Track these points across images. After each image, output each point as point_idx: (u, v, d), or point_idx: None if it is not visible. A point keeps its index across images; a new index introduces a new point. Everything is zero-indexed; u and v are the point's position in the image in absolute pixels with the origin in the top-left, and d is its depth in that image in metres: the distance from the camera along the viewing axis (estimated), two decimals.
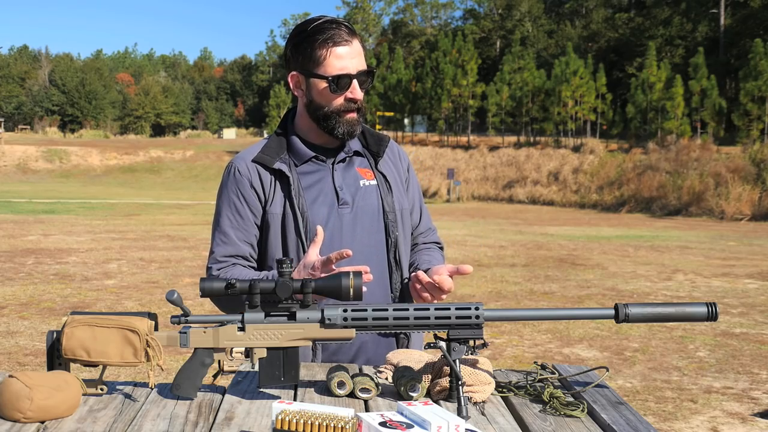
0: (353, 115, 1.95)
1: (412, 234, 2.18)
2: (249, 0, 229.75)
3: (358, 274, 1.57)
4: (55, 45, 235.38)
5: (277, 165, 1.98)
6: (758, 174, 25.30)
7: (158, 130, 79.45)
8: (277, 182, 1.99)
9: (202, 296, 1.56)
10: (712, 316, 1.63)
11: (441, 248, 2.26)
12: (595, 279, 10.06)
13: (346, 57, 1.90)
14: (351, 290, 1.55)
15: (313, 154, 2.01)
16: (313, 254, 1.83)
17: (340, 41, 1.89)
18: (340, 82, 1.90)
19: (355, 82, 1.92)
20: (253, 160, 2.01)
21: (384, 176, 2.07)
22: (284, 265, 1.54)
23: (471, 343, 1.58)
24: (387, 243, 2.04)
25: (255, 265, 2.05)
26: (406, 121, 49.19)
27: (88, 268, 10.31)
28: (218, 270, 2.00)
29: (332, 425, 1.28)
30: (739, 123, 34.21)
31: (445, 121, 45.60)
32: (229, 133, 68.01)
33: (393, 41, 69.16)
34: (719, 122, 36.72)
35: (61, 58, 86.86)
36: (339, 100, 1.93)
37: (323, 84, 1.91)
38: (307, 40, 1.91)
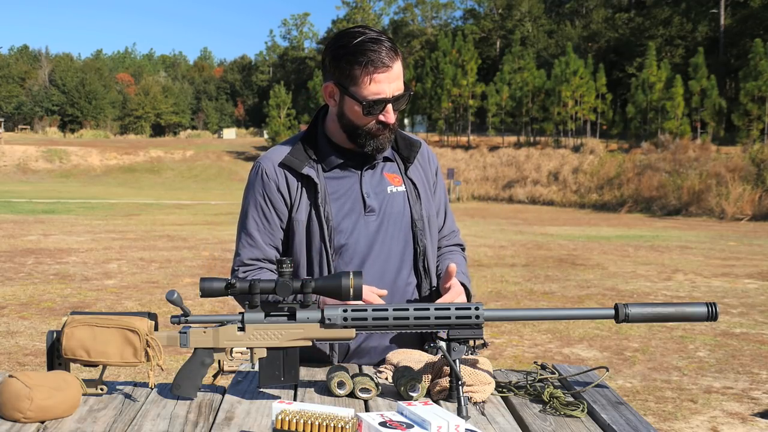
0: (384, 134, 1.93)
1: None
2: (249, 0, 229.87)
3: (358, 274, 1.57)
4: (55, 45, 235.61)
5: (306, 170, 1.96)
6: (758, 174, 25.29)
7: (158, 130, 79.46)
8: (304, 188, 1.96)
9: (202, 296, 1.56)
10: (712, 316, 1.63)
11: (463, 249, 2.23)
12: (595, 279, 10.05)
13: (383, 82, 1.86)
14: (351, 290, 1.55)
15: (342, 160, 1.99)
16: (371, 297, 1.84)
17: (380, 66, 1.84)
18: (374, 107, 1.87)
19: (389, 106, 1.88)
20: (281, 164, 1.98)
21: (413, 183, 2.04)
22: (284, 265, 1.54)
23: (471, 343, 1.58)
24: (415, 251, 2.02)
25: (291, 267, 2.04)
26: (406, 121, 49.19)
27: (88, 268, 10.30)
28: (244, 273, 1.99)
29: (332, 425, 1.28)
30: (739, 123, 34.22)
31: (445, 121, 45.62)
32: (229, 133, 68.03)
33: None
34: (719, 122, 36.74)
35: (61, 58, 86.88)
36: (371, 122, 1.90)
37: (357, 105, 1.88)
38: (346, 58, 1.86)
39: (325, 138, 2.01)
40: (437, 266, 2.12)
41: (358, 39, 1.87)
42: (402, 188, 2.03)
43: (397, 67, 1.89)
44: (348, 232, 1.95)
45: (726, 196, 23.84)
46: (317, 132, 2.03)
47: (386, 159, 2.05)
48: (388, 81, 1.86)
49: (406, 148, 2.07)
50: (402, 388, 1.61)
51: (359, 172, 2.00)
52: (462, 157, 40.47)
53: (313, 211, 1.95)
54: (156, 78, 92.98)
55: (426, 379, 1.67)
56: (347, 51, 1.87)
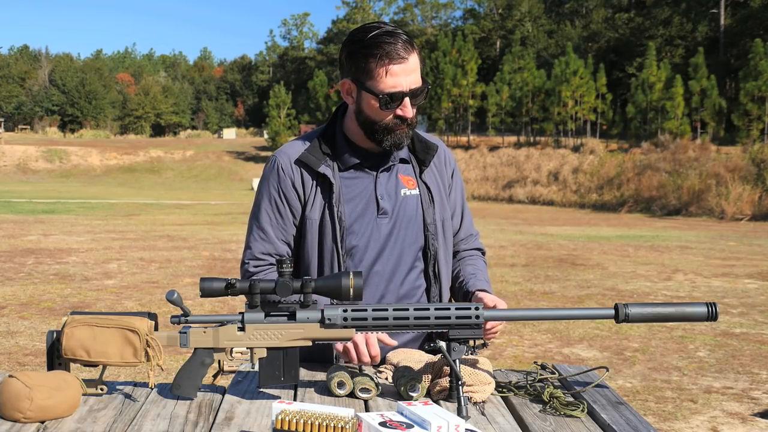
0: (402, 130, 1.90)
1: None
2: (249, 0, 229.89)
3: (357, 274, 1.57)
4: (55, 45, 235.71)
5: (322, 169, 1.94)
6: (758, 174, 25.28)
7: (158, 130, 79.46)
8: (319, 186, 1.95)
9: (202, 296, 1.56)
10: (712, 316, 1.63)
11: (483, 254, 2.20)
12: (595, 279, 10.05)
13: (400, 74, 1.84)
14: (351, 290, 1.55)
15: (358, 161, 1.97)
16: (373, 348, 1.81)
17: (396, 58, 1.83)
18: (391, 101, 1.85)
19: (406, 100, 1.86)
20: (298, 160, 1.97)
21: (427, 187, 2.02)
22: (284, 266, 1.54)
23: (471, 343, 1.58)
24: (426, 255, 2.01)
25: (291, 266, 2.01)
26: None
27: (88, 268, 10.30)
28: (255, 267, 1.97)
29: (332, 425, 1.28)
30: (739, 123, 34.22)
31: (445, 121, 45.63)
32: (229, 133, 68.01)
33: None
34: (719, 122, 36.75)
35: (61, 58, 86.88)
36: (389, 117, 1.88)
37: (374, 99, 1.86)
38: (361, 52, 1.85)
39: (343, 136, 2.00)
40: (456, 271, 2.10)
41: (373, 33, 1.86)
42: (416, 191, 2.01)
43: (414, 60, 1.86)
44: (360, 234, 1.95)
45: (726, 196, 23.83)
46: (335, 130, 2.02)
47: (402, 161, 2.03)
48: (404, 74, 1.84)
49: (423, 151, 2.04)
50: (402, 388, 1.61)
51: (375, 173, 1.98)
52: (462, 157, 40.47)
53: (327, 211, 1.94)
54: (156, 78, 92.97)
55: (426, 379, 1.67)
56: (362, 45, 1.86)
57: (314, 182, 1.96)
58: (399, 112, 1.87)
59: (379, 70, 1.83)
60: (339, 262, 1.93)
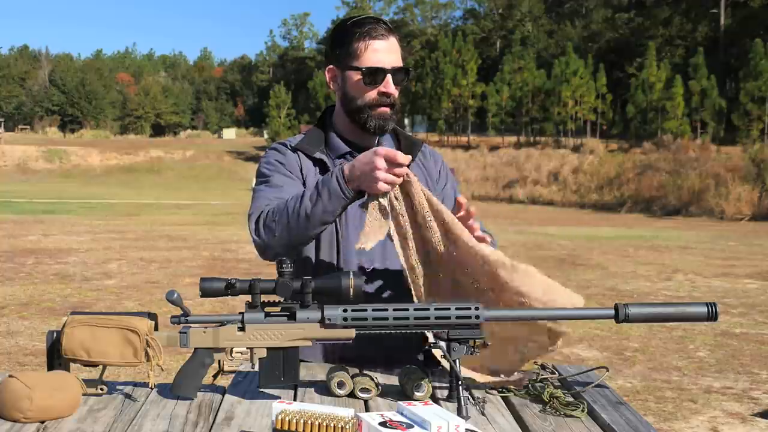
0: (385, 110, 1.95)
1: None
2: (249, 0, 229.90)
3: (358, 274, 1.56)
4: (55, 45, 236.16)
5: (318, 154, 2.00)
6: (758, 174, 25.28)
7: (158, 130, 79.46)
8: (317, 169, 2.00)
9: (202, 296, 1.56)
10: (712, 316, 1.63)
11: (491, 236, 2.15)
12: (595, 279, 10.05)
13: (381, 51, 1.91)
14: (351, 290, 1.55)
15: (349, 149, 2.02)
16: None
17: (378, 35, 1.91)
18: (374, 75, 1.91)
19: (388, 76, 1.92)
20: (294, 148, 2.02)
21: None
22: (284, 265, 1.54)
23: (471, 343, 1.58)
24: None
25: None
26: (406, 121, 49.24)
27: (88, 268, 10.30)
28: (266, 206, 1.88)
29: (332, 425, 1.28)
30: (739, 123, 34.26)
31: (445, 121, 45.66)
32: (229, 133, 68.04)
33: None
34: (719, 122, 36.79)
35: (61, 58, 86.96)
36: (372, 94, 1.93)
37: (357, 76, 1.92)
38: (345, 34, 1.94)
39: (333, 131, 2.05)
40: None
41: (356, 18, 1.96)
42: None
43: (395, 42, 1.94)
44: (353, 220, 1.96)
45: (726, 196, 23.85)
46: (325, 127, 2.07)
47: None
48: (385, 51, 1.91)
49: (408, 147, 2.09)
50: (408, 387, 1.61)
51: None
52: (462, 157, 40.47)
53: None
54: (156, 78, 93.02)
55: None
56: (345, 30, 1.95)
57: (311, 164, 2.01)
58: (382, 88, 1.92)
59: (361, 46, 1.91)
60: (338, 246, 1.95)
